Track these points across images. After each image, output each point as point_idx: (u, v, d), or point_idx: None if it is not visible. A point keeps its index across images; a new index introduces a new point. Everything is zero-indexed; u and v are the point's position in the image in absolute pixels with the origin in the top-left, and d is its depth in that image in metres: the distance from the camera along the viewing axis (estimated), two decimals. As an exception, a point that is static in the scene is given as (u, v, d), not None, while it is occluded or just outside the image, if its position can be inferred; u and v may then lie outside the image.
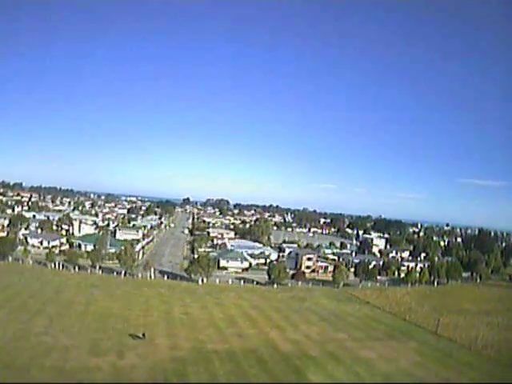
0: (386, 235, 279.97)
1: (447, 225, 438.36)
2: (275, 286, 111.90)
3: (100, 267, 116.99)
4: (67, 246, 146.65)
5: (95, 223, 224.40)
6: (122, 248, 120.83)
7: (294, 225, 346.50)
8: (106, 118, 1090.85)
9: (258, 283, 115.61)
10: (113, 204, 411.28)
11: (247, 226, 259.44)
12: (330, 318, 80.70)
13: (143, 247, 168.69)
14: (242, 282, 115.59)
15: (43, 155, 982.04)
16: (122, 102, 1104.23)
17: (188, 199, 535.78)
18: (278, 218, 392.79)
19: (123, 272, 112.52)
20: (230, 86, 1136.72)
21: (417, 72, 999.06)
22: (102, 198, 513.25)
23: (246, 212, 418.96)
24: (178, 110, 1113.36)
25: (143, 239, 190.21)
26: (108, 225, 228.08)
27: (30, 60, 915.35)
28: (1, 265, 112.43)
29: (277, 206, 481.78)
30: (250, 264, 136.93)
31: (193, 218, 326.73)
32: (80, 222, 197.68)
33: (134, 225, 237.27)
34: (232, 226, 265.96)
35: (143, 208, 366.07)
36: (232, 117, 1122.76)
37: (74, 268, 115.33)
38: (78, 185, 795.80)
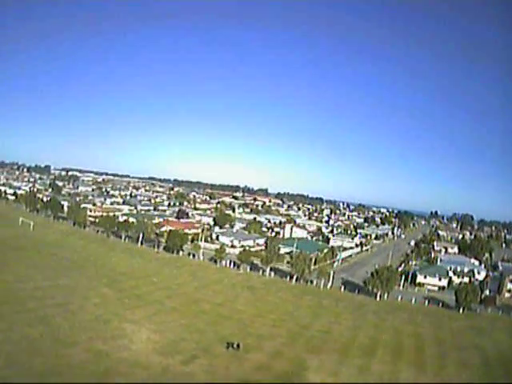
0: None
1: None
2: (461, 310, 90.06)
3: (272, 269, 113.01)
4: (262, 247, 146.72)
5: (319, 228, 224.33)
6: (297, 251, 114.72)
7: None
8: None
9: (444, 305, 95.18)
10: (356, 213, 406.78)
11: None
12: (492, 363, 59.18)
13: (351, 255, 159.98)
14: (427, 302, 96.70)
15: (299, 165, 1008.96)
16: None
17: (436, 213, 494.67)
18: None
19: (295, 277, 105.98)
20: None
21: None
22: (351, 207, 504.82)
23: (485, 228, 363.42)
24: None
25: (357, 247, 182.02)
26: (332, 231, 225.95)
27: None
28: (167, 257, 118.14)
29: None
30: (450, 282, 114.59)
31: (429, 232, 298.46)
32: (293, 226, 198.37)
33: (357, 233, 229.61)
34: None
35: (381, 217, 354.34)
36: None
37: (245, 268, 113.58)
38: (329, 193, 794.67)
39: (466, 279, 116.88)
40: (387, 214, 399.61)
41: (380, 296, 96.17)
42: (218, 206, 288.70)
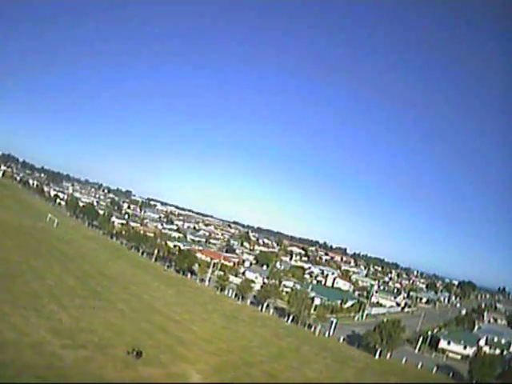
0: None
1: None
2: (471, 385, 69.21)
3: (275, 307, 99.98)
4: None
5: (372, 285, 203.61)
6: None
7: None
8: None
9: (458, 377, 74.09)
10: (423, 280, 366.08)
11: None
12: None
13: (384, 313, 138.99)
14: (435, 369, 76.56)
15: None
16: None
17: (504, 289, 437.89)
18: None
19: (291, 317, 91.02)
20: None
21: None
22: (424, 275, 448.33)
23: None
24: None
25: (398, 306, 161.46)
26: (383, 289, 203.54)
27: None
28: (170, 275, 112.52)
29: None
30: (477, 352, 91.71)
31: (485, 304, 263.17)
32: (336, 277, 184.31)
33: (409, 295, 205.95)
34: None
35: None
36: None
37: (242, 299, 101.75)
38: (407, 261, 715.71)
39: (498, 350, 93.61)
40: (453, 283, 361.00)
41: (380, 354, 78.21)
42: (277, 251, 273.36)
